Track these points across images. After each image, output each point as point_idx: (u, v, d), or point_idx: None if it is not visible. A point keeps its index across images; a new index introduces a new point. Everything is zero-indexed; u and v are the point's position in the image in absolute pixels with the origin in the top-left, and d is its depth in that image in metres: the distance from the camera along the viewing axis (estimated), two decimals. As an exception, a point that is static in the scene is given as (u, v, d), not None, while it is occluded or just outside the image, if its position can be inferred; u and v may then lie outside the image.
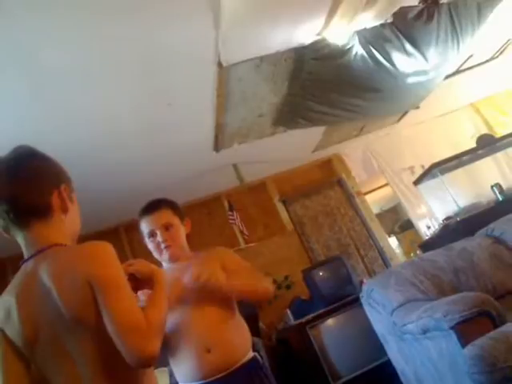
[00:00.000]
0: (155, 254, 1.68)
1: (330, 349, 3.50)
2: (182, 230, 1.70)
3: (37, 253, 1.06)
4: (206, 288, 1.51)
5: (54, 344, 1.01)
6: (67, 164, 1.19)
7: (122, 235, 4.54)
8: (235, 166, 4.35)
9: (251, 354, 1.60)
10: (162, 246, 1.64)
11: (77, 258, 1.04)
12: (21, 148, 1.13)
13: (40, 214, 1.08)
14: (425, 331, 2.05)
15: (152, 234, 1.66)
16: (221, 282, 1.52)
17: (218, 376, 1.49)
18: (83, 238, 1.12)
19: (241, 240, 4.70)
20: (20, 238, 1.09)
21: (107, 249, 1.05)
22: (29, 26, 1.96)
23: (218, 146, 3.81)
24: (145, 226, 1.67)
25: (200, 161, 4.01)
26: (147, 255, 1.65)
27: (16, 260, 1.11)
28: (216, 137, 3.64)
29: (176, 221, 1.68)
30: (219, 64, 2.66)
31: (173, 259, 1.66)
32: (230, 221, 4.66)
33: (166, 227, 1.65)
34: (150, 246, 1.68)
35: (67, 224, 1.13)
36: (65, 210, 1.12)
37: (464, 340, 1.80)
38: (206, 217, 4.78)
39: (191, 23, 2.29)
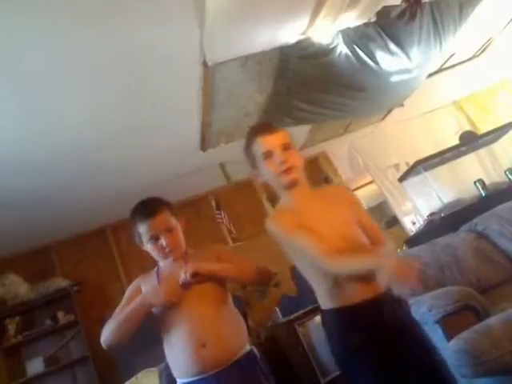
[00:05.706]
0: (155, 255, 1.68)
1: (318, 345, 3.52)
2: (180, 230, 1.71)
3: None
4: (199, 276, 1.56)
5: None
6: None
7: (108, 236, 4.48)
8: (222, 166, 4.35)
9: (248, 347, 1.61)
10: (167, 249, 1.64)
11: None
12: None
13: None
14: (411, 326, 2.08)
15: (155, 238, 1.64)
16: (208, 265, 1.61)
17: (214, 371, 1.49)
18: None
19: (229, 239, 4.70)
20: None
21: None
22: (9, 30, 1.93)
23: (204, 146, 3.80)
24: (145, 230, 1.64)
25: (187, 160, 4.00)
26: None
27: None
28: (202, 136, 3.63)
29: (175, 221, 1.69)
30: (204, 63, 2.65)
31: (176, 260, 1.68)
32: (218, 220, 4.65)
33: (169, 230, 1.65)
34: (151, 248, 1.66)
35: None
36: None
37: (449, 333, 1.83)
38: (194, 216, 4.77)
39: (176, 23, 2.28)
